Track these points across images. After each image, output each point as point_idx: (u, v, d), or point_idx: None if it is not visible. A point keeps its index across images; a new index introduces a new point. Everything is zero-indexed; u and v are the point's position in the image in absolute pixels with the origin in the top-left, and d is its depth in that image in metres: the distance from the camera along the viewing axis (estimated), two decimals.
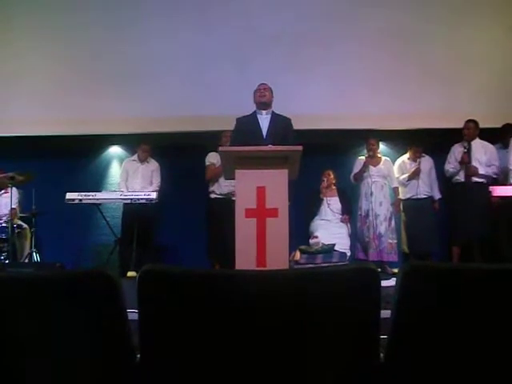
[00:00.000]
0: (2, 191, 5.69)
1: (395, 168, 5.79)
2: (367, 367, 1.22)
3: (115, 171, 6.45)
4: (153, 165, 5.88)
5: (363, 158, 5.70)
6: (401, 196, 5.74)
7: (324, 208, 5.75)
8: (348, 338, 1.21)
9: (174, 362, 1.21)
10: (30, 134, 6.06)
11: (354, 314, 1.19)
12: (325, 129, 5.88)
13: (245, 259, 3.32)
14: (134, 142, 6.07)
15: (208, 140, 5.58)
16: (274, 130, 4.17)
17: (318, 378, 1.21)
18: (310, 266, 4.92)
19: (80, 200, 5.31)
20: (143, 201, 5.34)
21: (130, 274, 5.16)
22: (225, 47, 5.99)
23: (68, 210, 5.46)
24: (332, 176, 5.84)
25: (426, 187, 5.69)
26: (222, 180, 5.32)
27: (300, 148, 3.47)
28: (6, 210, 5.45)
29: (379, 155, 5.74)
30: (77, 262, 5.88)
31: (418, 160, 5.71)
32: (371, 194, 5.54)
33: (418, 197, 5.68)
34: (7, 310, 1.22)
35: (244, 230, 3.38)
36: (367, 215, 5.53)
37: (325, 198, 5.78)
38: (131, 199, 5.38)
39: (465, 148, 5.35)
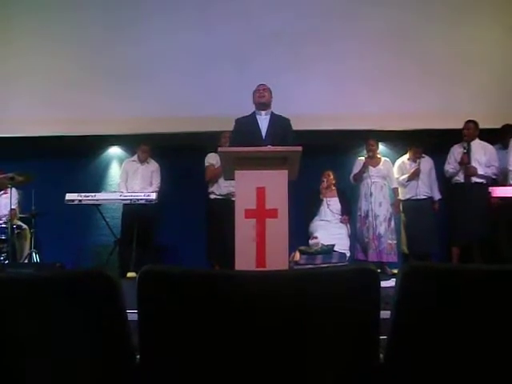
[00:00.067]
0: (2, 192, 5.69)
1: (395, 168, 5.79)
2: (367, 368, 1.22)
3: (115, 172, 6.45)
4: (153, 165, 5.87)
5: (363, 158, 5.71)
6: (400, 196, 5.74)
7: (324, 208, 5.75)
8: (348, 338, 1.21)
9: (173, 362, 1.21)
10: (30, 135, 6.06)
11: (353, 315, 1.19)
12: (325, 129, 5.88)
13: (244, 260, 3.32)
14: (133, 143, 6.07)
15: (207, 141, 5.58)
16: (273, 131, 4.16)
17: (317, 378, 1.21)
18: (310, 266, 4.91)
19: (80, 200, 5.31)
20: (143, 201, 5.34)
21: (130, 274, 5.16)
22: (225, 47, 5.99)
23: (68, 210, 5.46)
24: (332, 176, 5.84)
25: (425, 188, 5.69)
26: (221, 181, 5.32)
27: (299, 148, 3.47)
28: (6, 211, 5.45)
29: (379, 156, 5.74)
30: (77, 263, 5.88)
31: (417, 160, 5.70)
32: (371, 194, 5.54)
33: (418, 197, 5.68)
34: (7, 310, 1.22)
35: (244, 230, 3.38)
36: (367, 216, 5.54)
37: (324, 199, 5.78)
38: (131, 200, 5.38)
39: (464, 148, 5.35)
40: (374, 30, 5.91)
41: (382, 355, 1.24)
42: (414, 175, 5.65)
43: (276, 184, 3.43)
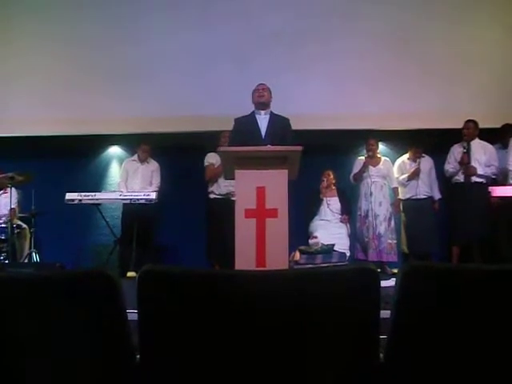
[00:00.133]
0: (2, 191, 5.69)
1: (395, 168, 5.79)
2: (367, 367, 1.22)
3: (115, 171, 6.45)
4: (153, 165, 5.87)
5: (363, 158, 5.71)
6: (400, 196, 5.74)
7: (324, 208, 5.75)
8: (348, 338, 1.21)
9: (173, 362, 1.21)
10: (30, 134, 6.06)
11: (353, 314, 1.19)
12: (325, 129, 5.88)
13: (244, 259, 3.32)
14: (133, 142, 6.07)
15: (207, 140, 5.57)
16: (272, 130, 4.16)
17: (318, 378, 1.21)
18: (310, 266, 4.91)
19: (80, 200, 5.31)
20: (143, 201, 5.34)
21: (130, 274, 5.17)
22: (225, 47, 5.99)
23: (68, 210, 5.46)
24: (332, 176, 5.84)
25: (425, 187, 5.68)
26: (221, 180, 5.32)
27: (299, 148, 3.47)
28: (6, 211, 5.45)
29: (379, 155, 5.74)
30: (77, 262, 5.88)
31: (417, 160, 5.70)
32: (371, 194, 5.54)
33: (418, 197, 5.68)
34: (7, 310, 1.22)
35: (244, 230, 3.38)
36: (367, 215, 5.54)
37: (324, 198, 5.78)
38: (131, 199, 5.38)
39: (464, 148, 5.35)
40: (373, 30, 5.90)
41: (382, 355, 1.25)
42: (414, 175, 5.65)
43: (276, 184, 3.43)
